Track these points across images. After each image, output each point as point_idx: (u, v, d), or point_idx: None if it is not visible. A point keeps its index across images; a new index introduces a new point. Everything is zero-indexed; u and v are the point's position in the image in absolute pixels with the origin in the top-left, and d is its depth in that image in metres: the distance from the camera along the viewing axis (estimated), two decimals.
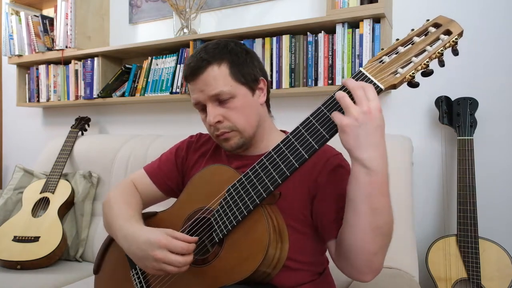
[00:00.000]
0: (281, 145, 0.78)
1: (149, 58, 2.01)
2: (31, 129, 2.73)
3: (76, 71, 2.26)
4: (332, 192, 0.88)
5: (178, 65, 1.91)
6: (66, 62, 2.32)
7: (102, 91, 2.13)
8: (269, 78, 1.71)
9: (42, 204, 1.82)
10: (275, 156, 0.78)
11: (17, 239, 1.68)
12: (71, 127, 2.17)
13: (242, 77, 0.93)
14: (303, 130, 0.76)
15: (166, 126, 2.18)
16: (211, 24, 2.05)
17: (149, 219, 1.00)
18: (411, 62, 0.73)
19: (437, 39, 0.73)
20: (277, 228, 0.78)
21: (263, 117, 0.99)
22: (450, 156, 1.56)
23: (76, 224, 1.82)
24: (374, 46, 1.53)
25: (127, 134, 2.09)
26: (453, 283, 1.37)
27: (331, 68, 1.61)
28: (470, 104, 1.45)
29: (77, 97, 2.26)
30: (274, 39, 1.72)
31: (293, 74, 1.68)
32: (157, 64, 1.99)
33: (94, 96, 2.17)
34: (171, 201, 1.01)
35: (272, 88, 1.72)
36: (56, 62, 2.36)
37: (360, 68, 0.75)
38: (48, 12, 2.54)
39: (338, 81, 1.58)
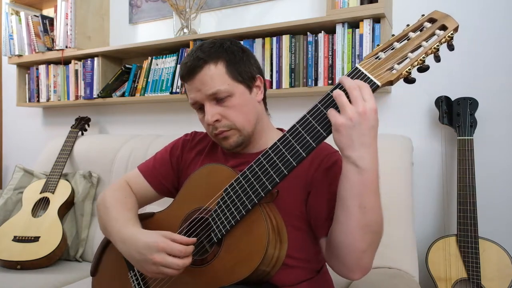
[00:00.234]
0: (279, 143, 0.78)
1: (149, 58, 2.01)
2: (31, 129, 2.73)
3: (76, 71, 2.26)
4: (326, 190, 0.88)
5: (178, 65, 1.91)
6: (66, 62, 2.32)
7: (102, 91, 2.13)
8: (268, 77, 1.73)
9: (42, 204, 1.82)
10: (272, 154, 0.78)
11: (17, 239, 1.68)
12: (71, 127, 2.17)
13: (239, 75, 0.93)
14: (300, 128, 0.76)
15: (166, 126, 2.17)
16: (211, 24, 2.05)
17: (147, 220, 0.99)
18: (407, 58, 0.73)
19: (433, 34, 0.73)
20: (276, 227, 0.78)
21: (261, 115, 0.99)
22: (450, 156, 1.56)
23: (76, 224, 1.82)
24: (374, 46, 1.53)
25: (127, 134, 2.09)
26: (453, 283, 1.37)
27: (331, 68, 1.61)
28: (470, 104, 1.45)
29: (77, 97, 2.26)
30: (274, 39, 1.72)
31: (293, 74, 1.68)
32: (157, 64, 1.99)
33: (94, 96, 2.17)
34: (168, 201, 1.01)
35: (272, 88, 1.72)
36: (56, 62, 2.36)
37: (357, 65, 0.75)
38: (48, 12, 2.54)
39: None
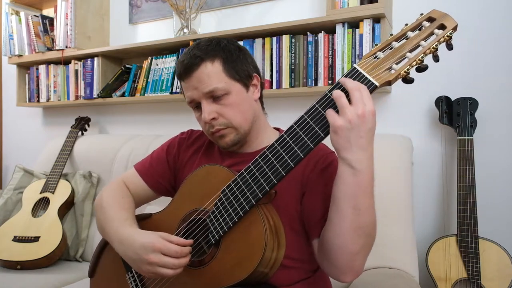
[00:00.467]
0: (276, 144, 0.77)
1: (149, 58, 2.01)
2: (31, 129, 2.73)
3: (76, 71, 2.26)
4: (320, 191, 0.88)
5: None
6: (66, 62, 2.32)
7: (102, 91, 2.13)
8: (268, 77, 1.73)
9: (42, 204, 1.82)
10: (270, 155, 0.77)
11: (17, 239, 1.68)
12: (71, 127, 2.17)
13: (236, 74, 0.92)
14: (298, 129, 0.75)
15: (166, 126, 2.17)
16: (211, 24, 2.05)
17: (144, 221, 0.99)
18: (405, 57, 0.72)
19: (431, 33, 0.72)
20: (274, 228, 0.78)
21: (258, 114, 0.98)
22: (450, 156, 1.56)
23: (76, 224, 1.82)
24: (374, 46, 1.52)
25: (127, 134, 2.09)
26: (453, 283, 1.37)
27: (331, 68, 1.61)
28: (470, 104, 1.45)
29: (77, 97, 2.26)
30: (274, 39, 1.72)
31: (293, 74, 1.68)
32: (157, 64, 1.99)
33: (94, 96, 2.17)
34: (168, 200, 1.00)
35: (272, 88, 1.72)
36: (56, 62, 2.36)
37: (355, 65, 0.75)
38: (48, 12, 2.54)
39: None
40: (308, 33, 1.66)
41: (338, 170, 0.75)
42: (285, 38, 1.69)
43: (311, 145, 0.74)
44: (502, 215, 1.49)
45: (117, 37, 2.37)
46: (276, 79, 1.71)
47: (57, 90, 2.35)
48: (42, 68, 2.38)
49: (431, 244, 1.43)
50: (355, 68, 0.74)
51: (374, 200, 0.77)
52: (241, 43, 1.77)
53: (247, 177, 0.79)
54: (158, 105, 2.20)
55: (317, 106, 0.75)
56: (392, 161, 1.39)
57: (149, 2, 2.23)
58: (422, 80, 1.57)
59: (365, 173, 0.73)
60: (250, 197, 0.78)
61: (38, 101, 2.41)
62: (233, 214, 0.79)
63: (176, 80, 1.91)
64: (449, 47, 0.73)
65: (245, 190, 0.79)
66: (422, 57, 0.71)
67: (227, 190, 0.82)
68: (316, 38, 1.64)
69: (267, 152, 0.78)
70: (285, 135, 0.76)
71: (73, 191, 1.85)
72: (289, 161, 0.75)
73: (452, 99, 1.49)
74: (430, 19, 0.74)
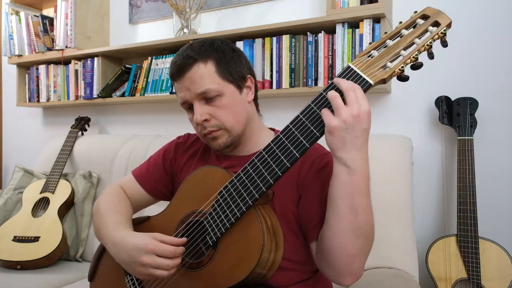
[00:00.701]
0: (272, 144, 0.77)
1: (149, 58, 2.01)
2: (31, 129, 2.73)
3: (76, 71, 2.26)
4: (317, 193, 0.87)
5: None
6: (66, 62, 2.32)
7: (102, 91, 2.13)
8: (268, 77, 1.73)
9: (42, 204, 1.82)
10: (266, 156, 0.77)
11: (17, 239, 1.68)
12: (71, 127, 2.17)
13: (229, 75, 0.92)
14: (293, 129, 0.75)
15: (166, 126, 2.17)
16: (211, 24, 2.05)
17: (142, 224, 0.99)
18: (400, 55, 0.72)
19: (426, 31, 0.72)
20: (271, 228, 0.78)
21: (252, 116, 0.98)
22: (450, 156, 1.56)
23: (76, 224, 1.82)
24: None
25: (127, 134, 2.09)
26: (453, 283, 1.37)
27: (331, 68, 1.61)
28: (470, 104, 1.45)
29: (77, 97, 2.26)
30: (274, 39, 1.72)
31: (293, 74, 1.68)
32: (157, 64, 1.99)
33: (94, 96, 2.17)
34: (165, 203, 1.00)
35: (272, 88, 1.72)
36: (56, 62, 2.36)
37: (349, 64, 0.74)
38: (48, 12, 2.54)
39: None
40: (308, 33, 1.66)
41: (333, 170, 0.75)
42: (285, 38, 1.69)
43: (307, 144, 0.73)
44: (502, 215, 1.49)
45: (117, 37, 2.37)
46: (276, 79, 1.71)
47: (57, 90, 2.35)
48: (42, 68, 2.38)
49: (431, 244, 1.43)
50: (349, 66, 0.74)
51: (371, 201, 0.77)
52: (241, 43, 1.78)
53: (244, 178, 0.79)
54: (158, 105, 2.20)
55: (312, 105, 0.75)
56: (392, 161, 1.39)
57: (149, 2, 2.23)
58: (422, 80, 1.57)
59: (360, 172, 0.73)
60: (247, 198, 0.77)
61: (38, 101, 2.41)
62: (230, 215, 0.79)
63: None
64: (444, 44, 0.72)
65: (242, 191, 0.79)
66: (416, 55, 0.71)
67: (224, 191, 0.82)
68: (316, 38, 1.64)
69: (263, 153, 0.78)
70: (281, 135, 0.76)
71: (73, 191, 1.85)
72: (285, 161, 0.75)
73: (452, 99, 1.49)
74: (424, 17, 0.74)
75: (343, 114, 0.69)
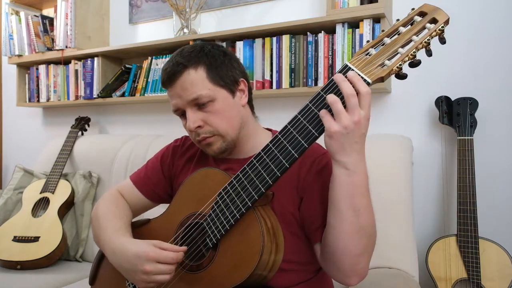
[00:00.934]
0: (271, 145, 0.77)
1: (149, 58, 2.01)
2: (31, 129, 2.73)
3: (76, 71, 2.26)
4: (318, 194, 0.87)
5: None
6: (66, 62, 2.32)
7: (102, 91, 2.13)
8: (268, 77, 1.72)
9: (42, 204, 1.82)
10: (264, 156, 0.77)
11: (17, 239, 1.68)
12: (71, 127, 2.17)
13: (221, 80, 0.91)
14: (291, 129, 0.75)
15: (166, 126, 2.17)
16: (211, 24, 2.05)
17: (142, 227, 0.99)
18: (397, 53, 0.71)
19: (423, 28, 0.72)
20: (271, 229, 0.77)
21: (246, 119, 0.97)
22: (450, 156, 1.56)
23: (76, 224, 1.82)
24: None
25: (127, 134, 2.09)
26: (453, 283, 1.37)
27: (331, 68, 1.61)
28: (470, 104, 1.45)
29: (77, 97, 2.26)
30: (274, 39, 1.72)
31: (293, 74, 1.68)
32: (157, 64, 1.99)
33: (94, 96, 2.17)
34: (165, 206, 1.00)
35: (272, 88, 1.72)
36: (56, 62, 2.36)
37: (346, 62, 0.74)
38: (48, 12, 2.54)
39: None
40: (308, 33, 1.66)
41: (333, 173, 0.75)
42: (285, 38, 1.69)
43: (305, 144, 0.73)
44: (502, 215, 1.49)
45: (117, 37, 2.37)
46: (276, 79, 1.71)
47: (57, 90, 2.35)
48: (42, 68, 2.38)
49: (431, 244, 1.43)
50: (347, 65, 0.73)
51: (371, 201, 0.77)
52: (241, 43, 1.78)
53: (243, 179, 0.79)
54: (158, 105, 2.20)
55: (310, 105, 0.74)
56: (392, 161, 1.39)
57: (149, 2, 2.23)
58: (422, 80, 1.57)
59: (359, 173, 0.73)
60: (246, 199, 0.77)
61: (38, 101, 2.41)
62: (229, 217, 0.79)
63: None
64: (442, 41, 0.72)
65: (241, 192, 0.78)
66: (414, 52, 0.70)
67: (223, 193, 0.81)
68: (316, 38, 1.64)
69: (262, 153, 0.77)
70: (279, 136, 0.76)
71: (73, 191, 1.85)
72: (283, 161, 0.74)
73: (452, 99, 1.49)
74: (422, 14, 0.73)
75: (344, 121, 0.69)
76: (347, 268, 0.79)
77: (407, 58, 0.71)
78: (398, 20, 0.75)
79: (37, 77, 2.42)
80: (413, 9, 0.75)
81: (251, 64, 1.75)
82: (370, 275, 1.05)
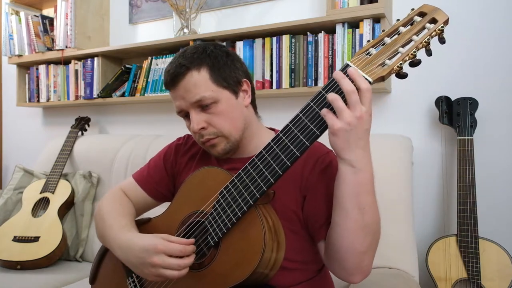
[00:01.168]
0: (272, 143, 0.77)
1: (149, 58, 2.01)
2: (31, 129, 2.73)
3: (76, 71, 2.26)
4: (322, 193, 0.87)
5: None
6: (66, 62, 2.32)
7: (102, 91, 2.13)
8: (268, 77, 1.72)
9: (42, 204, 1.82)
10: (266, 155, 0.77)
11: (17, 239, 1.68)
12: (71, 127, 2.17)
13: (224, 81, 0.91)
14: (293, 128, 0.75)
15: (166, 126, 2.17)
16: (211, 24, 2.05)
17: (144, 226, 0.99)
18: (398, 52, 0.72)
19: (423, 28, 0.72)
20: (273, 228, 0.78)
21: (250, 119, 0.97)
22: (450, 156, 1.56)
23: (76, 224, 1.82)
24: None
25: (127, 134, 2.09)
26: (453, 283, 1.37)
27: (331, 68, 1.61)
28: (470, 104, 1.45)
29: (77, 97, 2.26)
30: (274, 39, 1.72)
31: (293, 74, 1.68)
32: (157, 64, 1.99)
33: (94, 96, 2.17)
34: (167, 205, 1.00)
35: (272, 88, 1.72)
36: (56, 62, 2.36)
37: (347, 62, 0.74)
38: (48, 12, 2.54)
39: None
40: (308, 33, 1.66)
41: (338, 171, 0.75)
42: (285, 38, 1.69)
43: (307, 143, 0.73)
44: (502, 215, 1.49)
45: (117, 37, 2.37)
46: (276, 79, 1.71)
47: (57, 90, 2.35)
48: (42, 68, 2.38)
49: (431, 244, 1.43)
50: (348, 64, 0.74)
51: (376, 198, 0.77)
52: (241, 43, 1.78)
53: (244, 177, 0.79)
54: (158, 105, 2.20)
55: (312, 104, 0.75)
56: (392, 161, 1.39)
57: (149, 2, 2.23)
58: (422, 80, 1.57)
59: (365, 170, 0.73)
60: (248, 198, 0.77)
61: (38, 101, 2.41)
62: (231, 215, 0.79)
63: None
64: (441, 40, 0.73)
65: (243, 190, 0.78)
66: (414, 52, 0.71)
67: (225, 192, 0.82)
68: (316, 38, 1.64)
69: (264, 152, 0.78)
70: (281, 134, 0.76)
71: (73, 191, 1.85)
72: (285, 160, 0.75)
73: (452, 99, 1.49)
74: (421, 14, 0.74)
75: (347, 117, 0.69)
76: (352, 265, 0.79)
77: (407, 58, 0.71)
78: (398, 20, 0.76)
79: (37, 77, 2.42)
80: (413, 9, 0.76)
81: (251, 64, 1.75)
82: (370, 275, 1.05)
